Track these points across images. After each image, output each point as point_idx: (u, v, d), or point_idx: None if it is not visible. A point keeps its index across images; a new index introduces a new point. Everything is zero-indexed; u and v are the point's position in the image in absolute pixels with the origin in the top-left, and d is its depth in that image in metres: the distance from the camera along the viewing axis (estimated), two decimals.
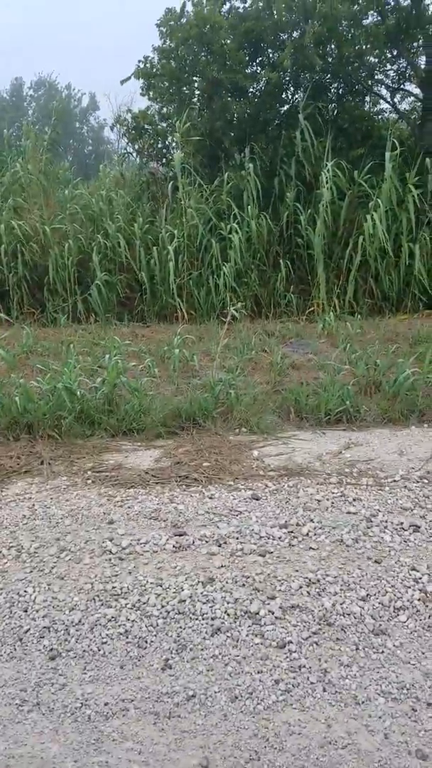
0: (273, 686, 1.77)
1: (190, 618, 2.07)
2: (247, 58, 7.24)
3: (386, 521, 2.68)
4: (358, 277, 6.36)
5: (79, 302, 6.28)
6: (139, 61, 7.63)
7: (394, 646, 1.92)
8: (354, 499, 2.90)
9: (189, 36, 7.19)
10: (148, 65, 7.63)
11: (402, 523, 2.65)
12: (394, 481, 3.11)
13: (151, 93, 7.75)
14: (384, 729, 1.62)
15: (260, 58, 7.40)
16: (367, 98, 7.76)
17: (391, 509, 2.80)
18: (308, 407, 3.99)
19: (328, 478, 3.16)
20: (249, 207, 6.56)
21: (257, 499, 2.96)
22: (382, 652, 1.89)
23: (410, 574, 2.27)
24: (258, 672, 1.82)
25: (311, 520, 2.72)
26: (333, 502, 2.89)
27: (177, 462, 3.46)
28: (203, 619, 2.06)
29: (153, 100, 7.79)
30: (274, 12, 6.97)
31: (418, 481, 3.09)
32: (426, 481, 3.09)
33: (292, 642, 1.94)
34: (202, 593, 2.20)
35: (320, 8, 6.68)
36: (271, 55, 7.30)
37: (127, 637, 2.03)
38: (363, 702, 1.70)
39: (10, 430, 3.78)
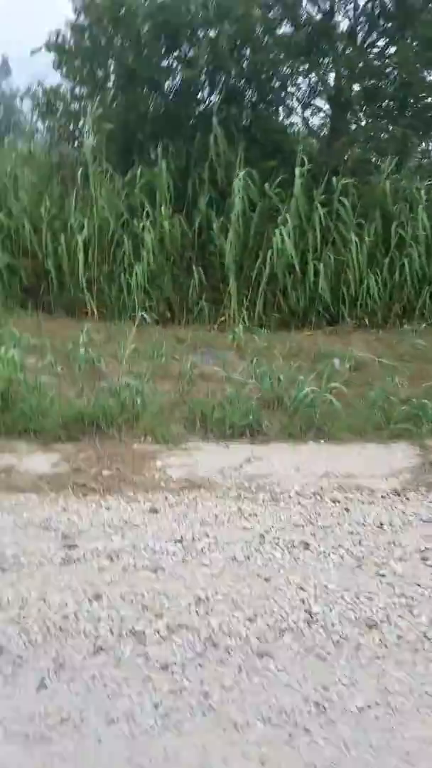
0: (152, 710, 1.73)
1: (72, 636, 1.99)
2: (163, 50, 6.99)
3: (278, 538, 2.71)
4: (267, 290, 6.46)
5: None
6: (51, 34, 7.14)
7: (276, 669, 1.93)
8: (249, 515, 2.92)
9: (103, 16, 6.82)
10: (59, 39, 7.16)
11: (293, 541, 2.69)
12: (289, 496, 3.16)
13: (63, 69, 7.35)
14: (260, 755, 1.62)
15: (176, 53, 7.17)
16: (280, 109, 7.82)
17: (283, 525, 2.84)
18: (214, 419, 3.99)
19: (228, 492, 3.17)
20: (162, 207, 6.41)
21: (155, 512, 2.92)
22: (265, 675, 1.90)
23: (297, 594, 2.31)
24: (138, 694, 1.78)
25: (207, 536, 2.71)
26: (230, 517, 2.90)
27: (76, 468, 3.35)
28: (86, 637, 1.99)
29: (66, 77, 7.33)
30: (191, 6, 6.71)
31: (311, 497, 3.16)
32: (318, 497, 3.17)
33: (176, 663, 1.91)
34: (87, 610, 2.12)
35: (235, 11, 6.57)
36: (187, 51, 7.07)
37: (1, 654, 1.92)
38: (242, 727, 1.70)
39: None
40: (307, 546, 2.67)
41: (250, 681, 1.87)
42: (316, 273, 6.43)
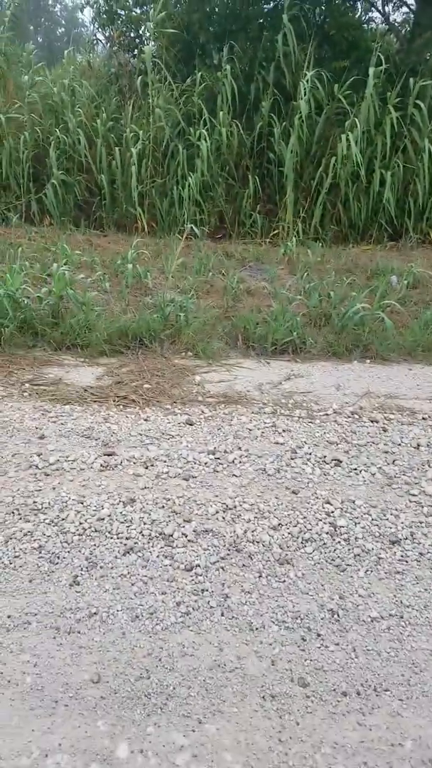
0: (174, 608, 1.84)
1: (106, 536, 2.12)
2: None
3: (310, 453, 2.73)
4: (327, 201, 6.16)
5: (33, 201, 5.95)
6: None
7: (296, 576, 2.00)
8: (284, 430, 2.94)
9: None
10: None
11: (325, 457, 2.71)
12: (326, 414, 3.16)
13: None
14: (272, 656, 1.71)
15: None
16: (358, 4, 7.21)
17: (317, 442, 2.86)
18: (256, 336, 3.96)
19: (263, 408, 3.19)
20: (222, 113, 6.17)
21: (191, 425, 2.98)
22: (284, 581, 1.98)
23: (323, 507, 2.35)
24: (162, 593, 1.89)
25: (239, 448, 2.75)
26: (263, 432, 2.93)
27: (118, 381, 3.43)
28: (118, 538, 2.11)
29: None
30: None
31: (349, 417, 3.14)
32: (356, 416, 3.14)
33: (199, 566, 2.01)
34: (121, 513, 2.24)
35: None
36: None
37: (40, 552, 2.07)
38: (257, 628, 1.79)
39: None
40: (338, 463, 2.68)
41: (269, 586, 1.96)
42: (383, 182, 6.08)
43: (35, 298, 3.88)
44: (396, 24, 7.35)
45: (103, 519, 2.21)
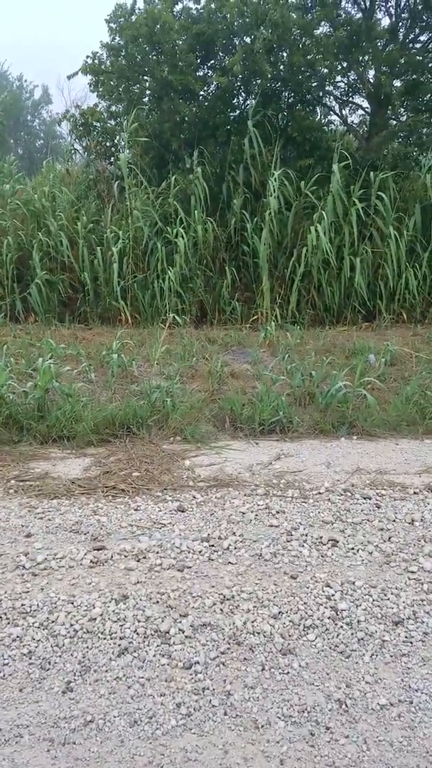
0: (174, 710, 1.75)
1: (99, 638, 2.03)
2: (198, 61, 7.21)
3: (306, 535, 2.69)
4: (302, 287, 6.45)
5: (17, 301, 6.13)
6: (87, 57, 7.54)
7: (300, 666, 1.92)
8: (277, 512, 2.91)
9: (139, 34, 7.13)
10: (96, 61, 7.52)
11: (321, 537, 2.67)
12: (319, 493, 3.14)
13: (100, 90, 7.65)
14: (280, 755, 1.62)
15: (211, 62, 7.39)
16: (318, 109, 7.86)
17: (312, 522, 2.82)
18: (243, 417, 3.99)
19: (256, 490, 3.17)
20: (196, 211, 6.55)
21: (183, 511, 2.94)
22: (288, 672, 1.90)
23: (323, 591, 2.29)
24: (161, 695, 1.80)
25: (233, 534, 2.71)
26: (257, 515, 2.89)
27: (106, 471, 3.41)
28: (111, 638, 2.03)
29: (101, 97, 7.71)
30: (227, 15, 6.98)
31: (341, 494, 3.12)
32: (349, 494, 3.13)
33: (198, 663, 1.92)
34: (113, 611, 2.16)
35: (271, 15, 6.72)
36: (222, 59, 7.31)
37: (30, 658, 1.97)
38: (263, 726, 1.70)
39: None
40: (335, 543, 2.64)
41: (272, 679, 1.87)
42: (352, 268, 6.42)
43: (20, 393, 3.91)
44: (354, 125, 7.98)
45: (95, 619, 2.12)
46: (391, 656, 1.97)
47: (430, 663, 1.95)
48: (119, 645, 1.99)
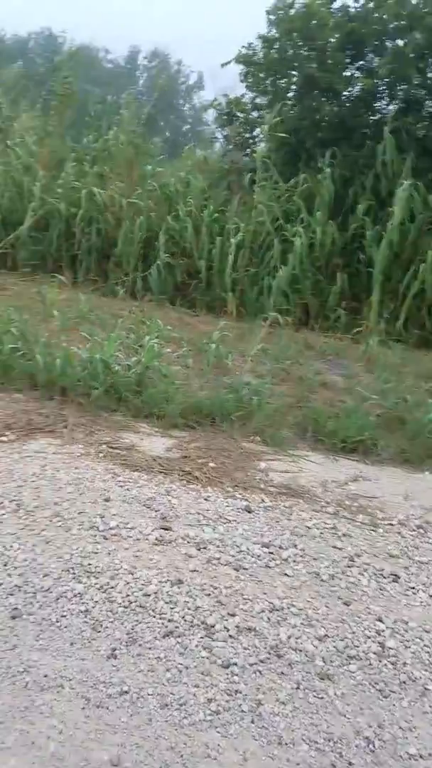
0: (205, 704, 1.80)
1: (149, 614, 2.12)
2: (347, 60, 7.07)
3: (368, 564, 2.65)
4: (413, 305, 6.22)
5: (139, 279, 6.39)
6: (243, 47, 7.57)
7: (335, 694, 1.92)
8: (344, 534, 2.88)
9: (294, 27, 7.07)
10: (250, 52, 7.56)
11: (383, 570, 2.62)
12: (390, 524, 3.06)
13: (249, 80, 7.71)
14: None
15: (359, 62, 7.21)
16: None
17: (377, 553, 2.77)
18: (327, 430, 3.95)
19: (326, 507, 3.15)
20: (319, 213, 6.48)
21: (249, 512, 2.98)
22: (322, 698, 1.90)
23: (374, 625, 2.25)
24: (195, 685, 1.86)
25: (295, 546, 2.71)
26: (322, 533, 2.88)
27: (185, 456, 3.50)
28: (160, 618, 2.11)
29: (249, 88, 7.76)
30: (383, 16, 6.79)
31: (414, 530, 3.04)
32: (422, 530, 3.03)
33: (236, 664, 1.96)
34: (167, 592, 2.24)
35: (427, 20, 6.46)
36: (371, 61, 7.12)
37: (85, 617, 2.10)
38: (286, 744, 1.72)
39: (47, 390, 3.95)
40: (396, 578, 2.58)
41: (305, 700, 1.88)
42: None
43: (125, 366, 4.09)
44: None
45: (149, 595, 2.22)
46: (431, 707, 1.92)
47: None
48: (166, 627, 2.07)
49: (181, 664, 1.93)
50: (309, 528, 2.90)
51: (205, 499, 3.01)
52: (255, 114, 7.72)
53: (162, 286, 6.40)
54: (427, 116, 7.22)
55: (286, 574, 2.50)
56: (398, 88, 6.94)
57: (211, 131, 8.85)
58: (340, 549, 2.75)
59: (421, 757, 1.74)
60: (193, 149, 8.57)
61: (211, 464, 3.41)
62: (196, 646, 2.01)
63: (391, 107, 7.18)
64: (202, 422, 3.88)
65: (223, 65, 7.81)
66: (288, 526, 2.88)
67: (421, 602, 2.44)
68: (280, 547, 2.68)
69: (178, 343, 4.96)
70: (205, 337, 5.14)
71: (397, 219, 6.18)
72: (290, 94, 7.54)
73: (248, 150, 7.57)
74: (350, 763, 1.69)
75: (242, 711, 1.80)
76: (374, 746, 1.75)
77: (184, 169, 7.28)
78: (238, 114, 7.64)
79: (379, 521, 3.08)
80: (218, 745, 1.68)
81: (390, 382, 4.71)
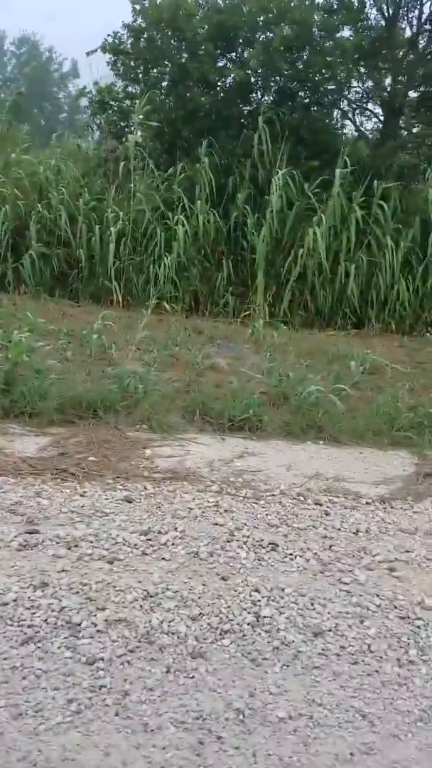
0: (65, 705, 1.70)
1: (5, 623, 1.98)
2: (218, 52, 7.11)
3: (248, 536, 2.63)
4: (296, 288, 6.40)
5: (9, 270, 6.09)
6: (108, 36, 7.45)
7: (206, 671, 1.87)
8: (225, 510, 2.85)
9: (161, 18, 7.04)
10: (116, 41, 7.44)
11: (262, 540, 2.61)
12: (272, 495, 3.08)
13: (119, 69, 7.57)
14: (163, 761, 1.56)
15: (231, 54, 7.28)
16: (333, 112, 7.76)
17: (258, 524, 2.76)
18: (214, 411, 3.93)
19: (210, 486, 3.12)
20: (199, 201, 6.48)
21: (130, 502, 2.89)
22: (193, 677, 1.84)
23: (251, 596, 2.23)
24: (54, 689, 1.75)
25: (175, 529, 2.65)
26: (204, 512, 2.84)
27: (62, 453, 3.35)
28: (19, 626, 1.97)
29: (119, 76, 7.63)
30: (251, 9, 6.89)
31: (294, 498, 3.06)
32: (302, 498, 3.07)
33: (103, 659, 1.87)
34: (29, 598, 2.11)
35: (294, 14, 6.61)
36: (242, 53, 7.21)
37: None
38: (152, 730, 1.65)
39: None
40: (275, 547, 2.58)
41: (175, 682, 1.82)
42: (347, 274, 6.39)
43: None
44: (366, 131, 7.87)
45: (7, 604, 2.07)
46: (303, 668, 1.91)
47: (340, 677, 1.89)
48: (25, 633, 1.94)
49: (41, 669, 1.81)
50: (191, 509, 2.85)
51: (81, 495, 2.89)
52: (128, 102, 7.59)
53: (38, 277, 6.17)
54: (300, 107, 7.40)
55: (163, 559, 2.43)
56: (271, 80, 7.06)
57: (86, 120, 8.64)
58: (221, 525, 2.72)
59: (290, 718, 1.72)
60: (64, 137, 8.31)
61: (92, 458, 3.29)
62: (59, 647, 1.90)
63: (265, 98, 7.30)
64: (83, 416, 3.73)
65: (88, 54, 7.64)
66: (169, 510, 2.82)
67: (298, 567, 2.45)
68: (159, 533, 2.61)
69: (57, 336, 4.77)
70: (87, 328, 4.98)
71: (276, 206, 6.31)
72: (165, 84, 7.48)
73: (123, 139, 7.44)
74: (219, 737, 1.64)
75: (106, 705, 1.71)
76: (244, 716, 1.71)
77: (54, 157, 7.01)
78: (111, 102, 7.48)
79: (261, 493, 3.09)
80: (77, 745, 1.58)
81: (274, 362, 4.76)
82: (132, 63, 7.46)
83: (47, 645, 1.90)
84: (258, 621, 2.10)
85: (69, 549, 2.43)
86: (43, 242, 6.27)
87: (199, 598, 2.20)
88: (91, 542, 2.49)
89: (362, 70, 7.38)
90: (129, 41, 7.43)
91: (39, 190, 6.63)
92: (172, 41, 7.23)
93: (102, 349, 4.65)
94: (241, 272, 6.63)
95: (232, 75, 7.13)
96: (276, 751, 1.61)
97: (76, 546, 2.45)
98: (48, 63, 24.71)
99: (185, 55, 6.97)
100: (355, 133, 7.80)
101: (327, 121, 7.51)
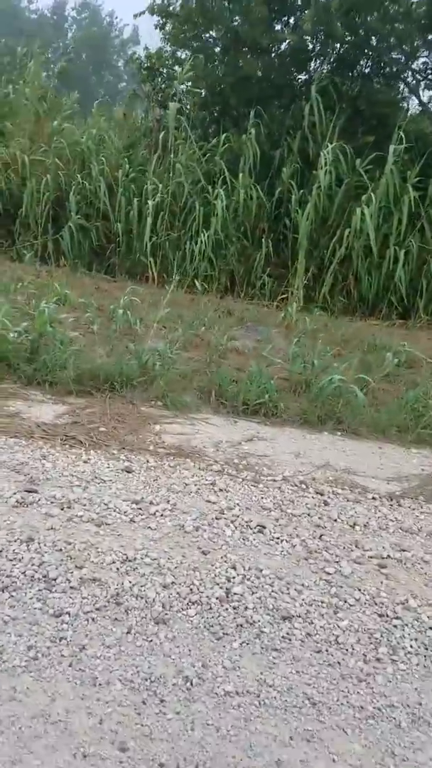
0: (24, 651, 1.78)
1: None
2: (271, 15, 6.83)
3: (237, 516, 2.66)
4: (339, 272, 6.21)
5: (50, 242, 6.20)
6: None
7: (166, 637, 1.91)
8: (220, 490, 2.88)
9: None
10: (165, 2, 7.25)
11: (251, 521, 2.63)
12: (273, 480, 3.08)
13: (169, 32, 7.39)
14: (103, 714, 1.62)
15: (285, 18, 7.02)
16: (397, 84, 7.39)
17: (250, 506, 2.78)
18: (229, 393, 3.95)
19: (212, 465, 3.14)
20: (242, 175, 6.31)
21: (129, 472, 2.96)
22: (151, 641, 1.89)
23: (226, 572, 2.26)
24: (18, 635, 1.83)
25: (167, 501, 2.70)
26: (199, 489, 2.87)
27: (75, 422, 3.45)
28: None
29: (166, 40, 7.46)
30: None
31: (296, 485, 3.06)
32: (304, 486, 3.06)
33: (69, 613, 1.94)
34: (14, 551, 2.20)
35: None
36: (298, 17, 6.90)
37: None
38: (100, 684, 1.71)
39: None
40: (262, 529, 2.59)
41: (133, 644, 1.87)
42: (396, 259, 6.09)
43: (18, 332, 3.99)
44: (431, 107, 7.51)
45: None
46: (263, 648, 1.93)
47: (298, 663, 1.90)
48: (2, 582, 2.04)
49: (9, 615, 1.90)
50: (187, 485, 2.89)
51: (84, 462, 2.97)
52: (177, 69, 7.39)
53: (76, 250, 6.22)
54: (360, 76, 7.10)
55: (149, 528, 2.49)
56: (329, 46, 6.78)
57: (133, 88, 8.57)
58: (213, 503, 2.75)
59: (237, 694, 1.75)
60: (108, 105, 8.25)
61: (102, 429, 3.37)
62: (31, 598, 1.98)
63: (323, 68, 7.04)
64: (100, 388, 3.82)
65: (135, 16, 7.54)
66: (165, 484, 2.87)
67: (282, 552, 2.46)
68: (151, 503, 2.67)
69: (84, 309, 4.86)
70: (116, 303, 5.06)
71: (323, 182, 6.11)
72: (218, 50, 7.30)
73: (169, 107, 7.35)
74: (162, 700, 1.69)
75: (62, 656, 1.78)
76: (191, 684, 1.75)
77: (96, 127, 6.98)
78: (161, 69, 7.39)
79: (262, 477, 3.10)
80: (27, 688, 1.66)
81: (302, 347, 4.72)
82: (181, 26, 7.25)
83: (20, 595, 1.99)
84: (227, 597, 2.13)
85: (62, 509, 2.51)
86: (82, 214, 6.31)
87: (175, 568, 2.24)
88: (84, 505, 2.57)
89: (430, 38, 6.93)
90: (178, 2, 7.24)
91: (81, 160, 6.62)
92: (224, 3, 6.99)
93: (128, 325, 4.72)
94: (282, 253, 6.49)
95: (287, 41, 6.86)
96: (215, 723, 1.64)
97: (68, 507, 2.53)
98: (108, 29, 24.38)
99: (237, 19, 6.74)
100: (419, 108, 7.44)
101: (389, 93, 7.12)
